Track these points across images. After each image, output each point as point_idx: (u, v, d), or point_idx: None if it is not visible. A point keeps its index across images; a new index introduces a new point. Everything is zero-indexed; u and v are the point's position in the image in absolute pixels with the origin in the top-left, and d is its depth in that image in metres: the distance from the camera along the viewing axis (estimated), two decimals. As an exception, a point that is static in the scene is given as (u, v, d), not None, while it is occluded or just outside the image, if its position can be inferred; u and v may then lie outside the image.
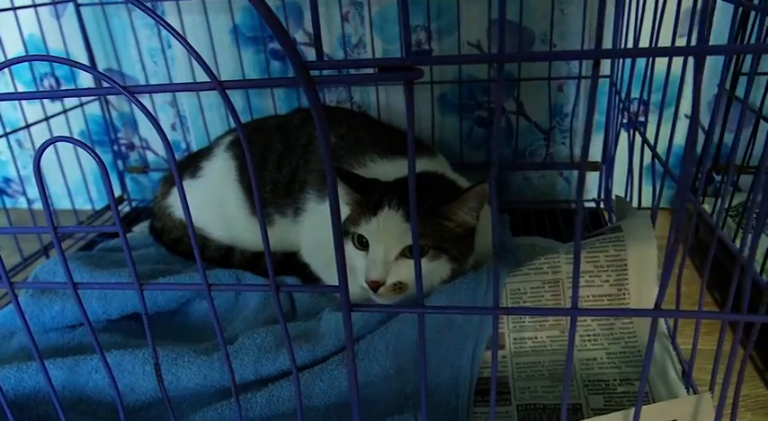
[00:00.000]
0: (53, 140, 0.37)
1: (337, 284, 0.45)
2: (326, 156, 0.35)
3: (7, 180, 1.32)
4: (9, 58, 1.02)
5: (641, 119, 1.05)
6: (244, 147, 0.37)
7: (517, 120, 1.09)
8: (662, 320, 0.63)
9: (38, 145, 1.05)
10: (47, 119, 1.04)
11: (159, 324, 0.75)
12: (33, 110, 1.10)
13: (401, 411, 0.59)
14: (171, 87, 0.42)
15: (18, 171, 1.07)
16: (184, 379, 0.61)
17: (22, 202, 1.31)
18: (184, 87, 0.37)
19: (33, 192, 1.23)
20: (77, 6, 1.07)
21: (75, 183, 1.16)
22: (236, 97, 1.14)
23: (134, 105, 0.42)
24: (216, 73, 0.97)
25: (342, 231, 0.42)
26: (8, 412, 0.49)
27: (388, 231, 0.65)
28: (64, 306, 0.73)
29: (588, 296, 0.66)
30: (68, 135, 1.11)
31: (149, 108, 1.09)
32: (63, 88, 1.20)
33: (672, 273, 0.44)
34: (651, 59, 0.72)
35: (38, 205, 1.07)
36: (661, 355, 0.61)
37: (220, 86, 0.33)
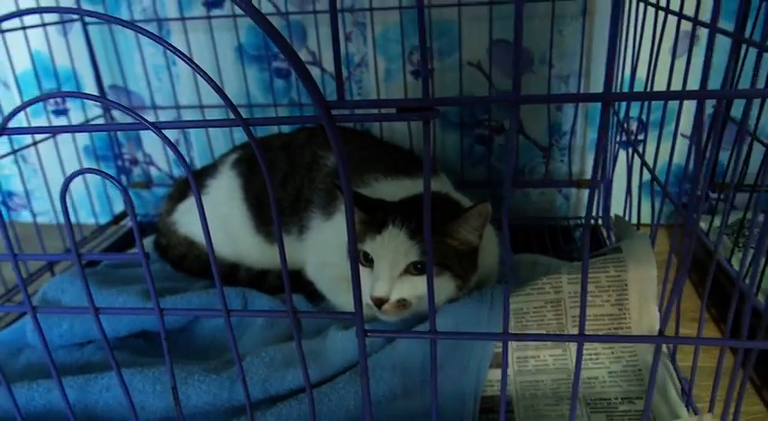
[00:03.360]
0: (79, 172, 0.38)
1: (347, 308, 0.47)
2: (346, 193, 0.36)
3: (11, 194, 1.33)
4: (16, 73, 1.04)
5: (640, 137, 1.07)
6: (263, 171, 0.38)
7: (517, 138, 1.11)
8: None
9: (43, 159, 1.07)
10: (53, 134, 1.05)
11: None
12: (38, 123, 1.11)
13: (408, 430, 0.60)
14: (199, 124, 0.43)
15: (24, 185, 1.08)
16: (194, 398, 0.62)
17: (24, 216, 1.32)
18: (211, 124, 0.39)
19: (38, 206, 1.23)
20: (84, 25, 1.08)
21: (78, 197, 1.17)
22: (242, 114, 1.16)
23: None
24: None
25: (354, 257, 0.43)
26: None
27: (392, 248, 0.66)
28: (72, 324, 0.74)
29: (590, 315, 0.67)
30: (74, 150, 1.13)
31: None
32: (68, 107, 1.21)
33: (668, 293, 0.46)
34: (651, 81, 0.75)
35: (41, 219, 1.08)
36: (661, 374, 0.63)
37: (245, 123, 0.34)
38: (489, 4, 0.99)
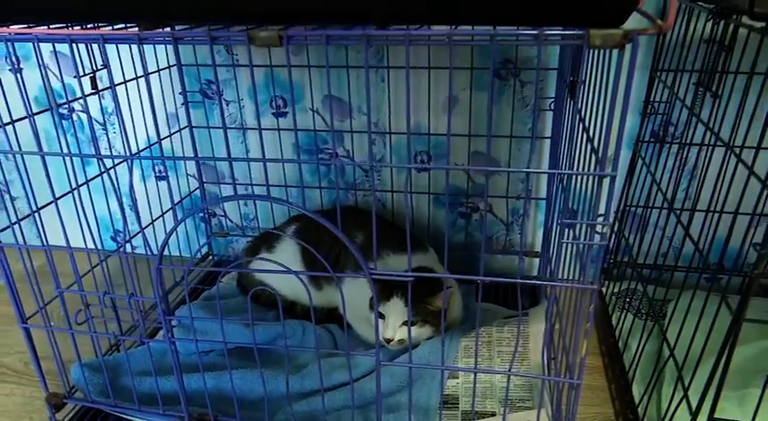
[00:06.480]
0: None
1: (366, 335, 0.95)
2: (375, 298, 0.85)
3: (117, 231, 1.83)
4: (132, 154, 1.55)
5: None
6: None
7: (486, 216, 1.59)
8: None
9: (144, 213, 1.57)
10: (172, 207, 1.54)
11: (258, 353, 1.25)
12: (149, 184, 1.61)
13: (398, 411, 1.08)
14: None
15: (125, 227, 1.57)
16: (282, 387, 1.11)
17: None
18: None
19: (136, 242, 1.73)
20: (191, 128, 1.57)
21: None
22: (294, 190, 1.65)
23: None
24: (282, 173, 1.51)
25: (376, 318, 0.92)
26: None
27: (395, 310, 1.16)
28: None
29: (507, 352, 1.15)
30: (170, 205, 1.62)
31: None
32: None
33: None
34: (580, 183, 1.22)
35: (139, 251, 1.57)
36: (542, 389, 1.11)
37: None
38: (468, 136, 1.47)
